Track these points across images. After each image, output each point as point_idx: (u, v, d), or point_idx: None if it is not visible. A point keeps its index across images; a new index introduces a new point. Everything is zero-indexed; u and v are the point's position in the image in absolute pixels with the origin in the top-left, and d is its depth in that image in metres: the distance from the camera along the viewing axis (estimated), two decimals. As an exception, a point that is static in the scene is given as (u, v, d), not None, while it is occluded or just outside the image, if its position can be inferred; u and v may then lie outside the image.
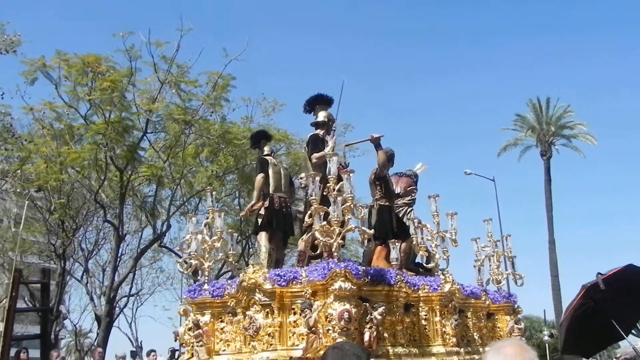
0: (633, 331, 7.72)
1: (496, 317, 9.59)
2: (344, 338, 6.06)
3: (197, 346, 7.19)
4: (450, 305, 7.99)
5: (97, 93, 19.25)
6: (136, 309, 30.23)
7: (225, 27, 72.48)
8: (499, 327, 9.57)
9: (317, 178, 6.81)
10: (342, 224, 6.67)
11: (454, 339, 7.85)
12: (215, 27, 68.23)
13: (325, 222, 6.52)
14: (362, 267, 6.82)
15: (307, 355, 6.15)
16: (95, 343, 19.04)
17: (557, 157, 36.72)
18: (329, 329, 6.25)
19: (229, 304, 7.40)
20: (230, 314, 7.37)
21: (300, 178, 9.32)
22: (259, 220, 8.42)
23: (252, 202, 8.58)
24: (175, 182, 21.74)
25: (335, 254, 6.54)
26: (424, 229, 8.55)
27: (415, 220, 8.74)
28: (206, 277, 7.78)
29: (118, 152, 20.27)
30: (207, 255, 7.80)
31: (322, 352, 5.94)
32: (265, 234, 8.29)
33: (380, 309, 6.46)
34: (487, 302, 9.28)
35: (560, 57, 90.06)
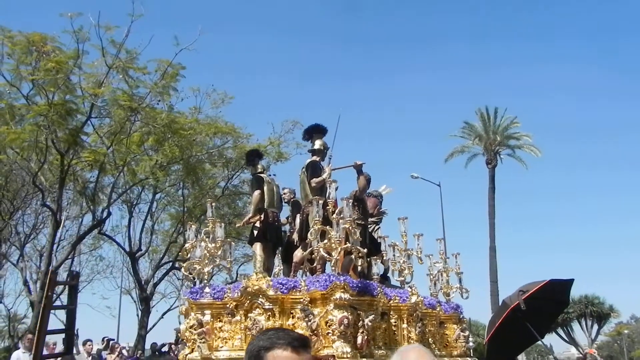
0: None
1: (445, 325, 11.50)
2: (343, 341, 7.74)
3: (200, 343, 8.63)
4: (414, 315, 9.80)
5: (41, 73, 19.60)
6: (73, 297, 30.69)
7: (177, 16, 72.30)
8: (447, 334, 11.49)
9: (321, 202, 8.42)
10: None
11: (417, 344, 9.65)
12: (167, 15, 67.80)
13: (326, 241, 8.16)
14: (355, 280, 8.51)
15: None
16: (28, 329, 19.70)
17: (502, 166, 39.66)
18: (328, 333, 7.88)
19: (228, 305, 8.89)
20: (229, 315, 8.86)
21: (284, 193, 10.85)
22: (255, 232, 9.98)
23: (250, 215, 10.15)
24: (118, 169, 22.43)
25: (334, 268, 8.21)
26: (395, 247, 10.34)
27: (385, 238, 10.52)
28: (206, 281, 9.21)
29: (60, 135, 20.63)
30: (206, 261, 9.22)
31: (321, 353, 7.63)
32: (260, 245, 9.87)
33: (371, 317, 8.18)
34: (440, 312, 11.18)
35: (511, 67, 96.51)
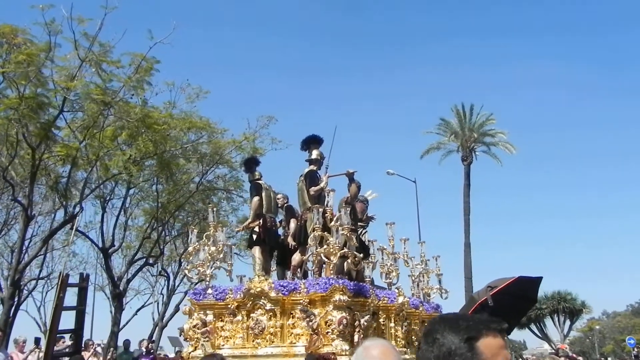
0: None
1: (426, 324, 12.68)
2: (342, 339, 8.84)
3: (204, 341, 9.64)
4: (401, 314, 10.96)
5: (11, 66, 19.81)
6: (46, 293, 31.31)
7: (152, 9, 71.92)
8: (428, 332, 12.68)
9: (321, 210, 9.49)
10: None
11: (403, 342, 10.83)
12: (142, 8, 67.30)
13: (326, 246, 9.24)
14: (351, 282, 9.62)
15: (310, 351, 8.82)
16: (-3, 326, 20.28)
17: (477, 163, 40.90)
18: (328, 332, 8.96)
19: (230, 306, 9.91)
20: (230, 315, 9.88)
21: (278, 198, 11.86)
22: (254, 237, 11.01)
23: (249, 220, 11.18)
24: (91, 164, 22.79)
25: (331, 271, 9.29)
26: (383, 251, 11.49)
27: (374, 242, 11.65)
28: (207, 283, 10.21)
29: (31, 129, 20.91)
30: (208, 264, 10.22)
31: (321, 350, 8.72)
32: (259, 249, 10.89)
33: (367, 317, 9.29)
34: (423, 312, 12.37)
35: (487, 64, 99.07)
